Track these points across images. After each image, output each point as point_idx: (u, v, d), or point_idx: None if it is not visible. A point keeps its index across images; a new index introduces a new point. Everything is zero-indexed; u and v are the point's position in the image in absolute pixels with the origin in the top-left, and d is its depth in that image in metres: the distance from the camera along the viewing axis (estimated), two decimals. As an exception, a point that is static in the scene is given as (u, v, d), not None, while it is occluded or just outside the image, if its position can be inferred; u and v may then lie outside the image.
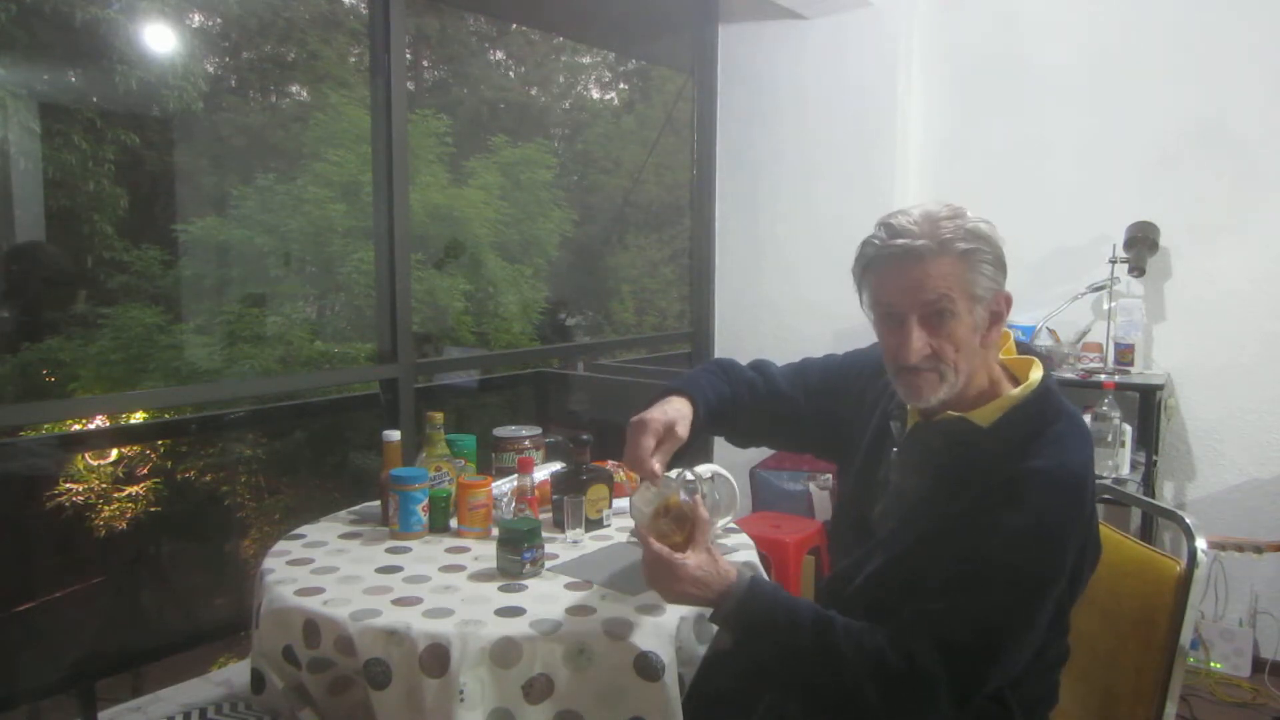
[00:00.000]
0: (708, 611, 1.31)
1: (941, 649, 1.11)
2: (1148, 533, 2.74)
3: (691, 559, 1.22)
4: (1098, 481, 1.28)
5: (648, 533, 1.27)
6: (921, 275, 1.18)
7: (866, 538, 1.35)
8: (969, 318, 1.19)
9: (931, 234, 1.19)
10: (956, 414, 1.24)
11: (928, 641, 1.12)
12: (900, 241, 1.19)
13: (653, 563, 1.23)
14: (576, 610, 1.40)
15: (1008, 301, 1.25)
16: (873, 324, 1.28)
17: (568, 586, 1.51)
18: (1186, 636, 1.36)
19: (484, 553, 1.66)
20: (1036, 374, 1.25)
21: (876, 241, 1.23)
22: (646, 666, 1.30)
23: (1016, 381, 1.27)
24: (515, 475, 1.80)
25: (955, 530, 1.17)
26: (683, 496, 1.32)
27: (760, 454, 3.35)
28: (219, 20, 7.95)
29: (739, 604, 1.20)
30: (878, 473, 1.38)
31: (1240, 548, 2.61)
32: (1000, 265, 1.23)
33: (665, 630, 1.35)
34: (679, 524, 1.27)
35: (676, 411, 1.36)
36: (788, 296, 3.36)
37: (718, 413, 1.45)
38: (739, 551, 1.72)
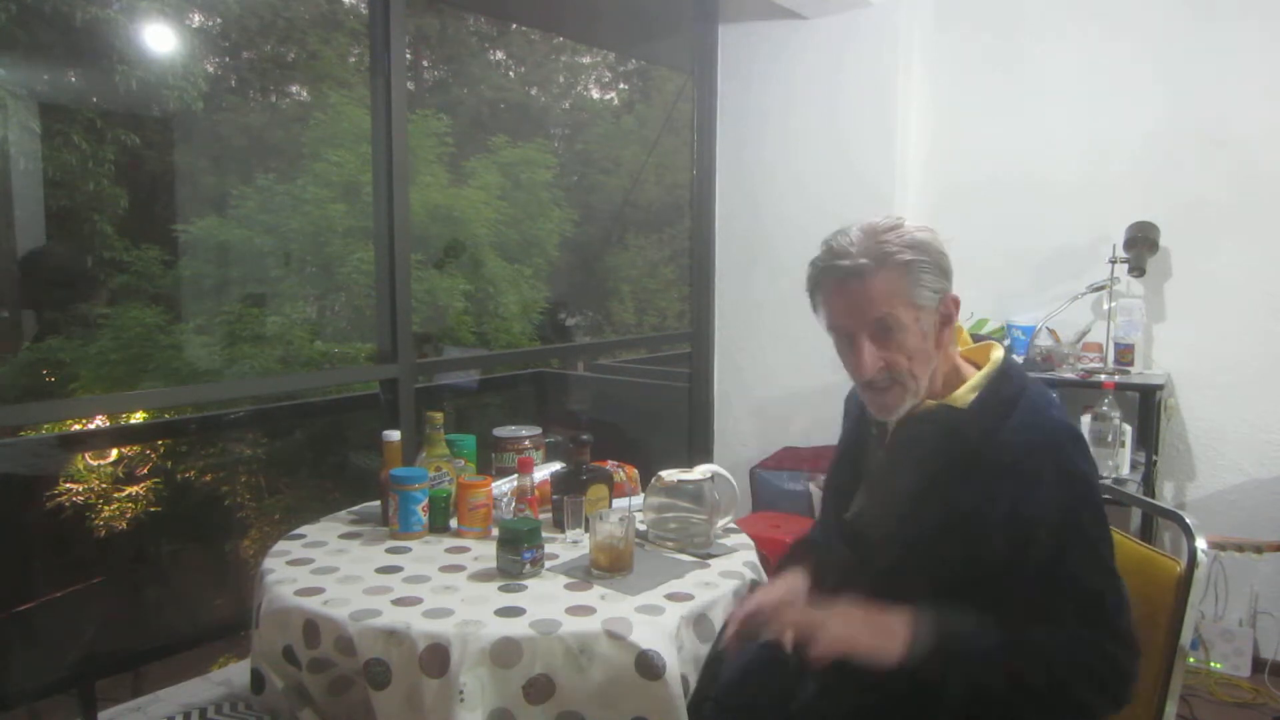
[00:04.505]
0: (709, 611, 1.32)
1: (1091, 623, 1.16)
2: (1148, 533, 2.74)
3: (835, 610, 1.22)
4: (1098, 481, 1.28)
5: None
6: (863, 293, 1.21)
7: (856, 544, 1.36)
8: (916, 327, 1.22)
9: (870, 250, 1.21)
10: (935, 401, 1.28)
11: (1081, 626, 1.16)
12: (841, 262, 1.23)
13: (811, 621, 1.21)
14: (576, 610, 1.40)
15: (955, 304, 1.28)
16: (833, 341, 1.31)
17: (568, 586, 1.51)
18: (1187, 636, 1.36)
19: (484, 553, 1.66)
20: (998, 353, 1.31)
21: (819, 263, 1.27)
22: (648, 666, 1.30)
23: (979, 367, 1.31)
24: (515, 475, 1.80)
25: (987, 512, 1.19)
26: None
27: (760, 454, 3.35)
28: (219, 20, 7.95)
29: (931, 628, 1.17)
30: (857, 477, 1.40)
31: (1240, 548, 2.61)
32: (942, 271, 1.25)
33: (666, 630, 1.35)
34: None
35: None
36: (787, 297, 3.36)
37: None
38: (739, 551, 1.72)
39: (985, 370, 1.29)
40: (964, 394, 1.27)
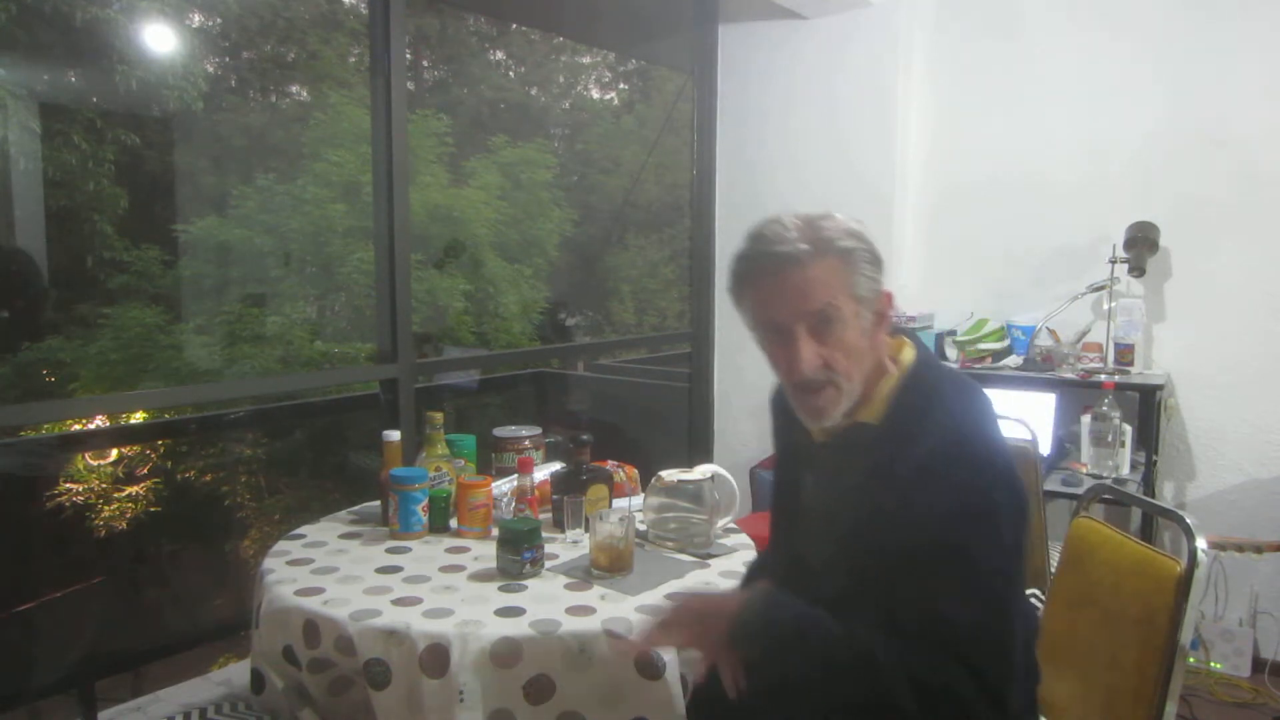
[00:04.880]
0: None
1: (959, 660, 1.07)
2: (1148, 533, 2.74)
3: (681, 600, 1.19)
4: (1098, 481, 1.27)
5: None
6: (803, 282, 1.13)
7: (803, 572, 1.30)
8: (856, 322, 1.15)
9: (809, 236, 1.14)
10: (849, 421, 1.21)
11: (945, 660, 1.07)
12: (779, 248, 1.14)
13: (676, 625, 1.16)
14: (576, 610, 1.40)
15: (889, 300, 1.20)
16: (759, 344, 1.21)
17: (568, 586, 1.51)
18: (1187, 636, 1.36)
19: (484, 553, 1.66)
20: (909, 354, 1.23)
21: (751, 252, 1.18)
22: (647, 666, 1.30)
23: (889, 364, 1.23)
24: (515, 475, 1.80)
25: (890, 529, 1.12)
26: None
27: (760, 454, 3.35)
28: (219, 20, 7.95)
29: (761, 614, 1.13)
30: (799, 499, 1.34)
31: (1240, 548, 2.61)
32: (878, 263, 1.18)
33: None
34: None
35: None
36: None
37: None
38: (739, 551, 1.72)
39: (897, 378, 1.21)
40: (876, 407, 1.20)
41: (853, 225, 1.17)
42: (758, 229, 1.19)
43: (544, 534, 1.61)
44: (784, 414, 1.37)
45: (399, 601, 1.43)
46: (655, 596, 1.46)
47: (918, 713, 1.07)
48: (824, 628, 1.11)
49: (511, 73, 11.22)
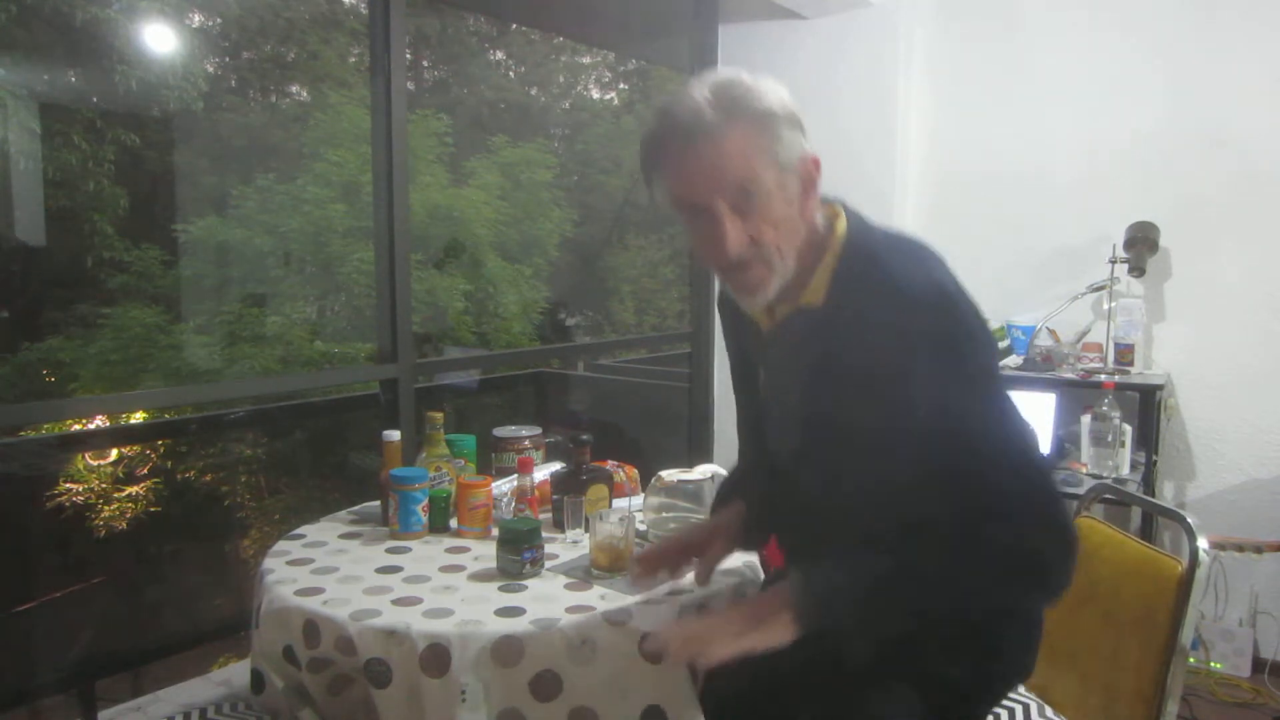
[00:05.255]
0: (709, 602, 1.31)
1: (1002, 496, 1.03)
2: (1148, 533, 2.74)
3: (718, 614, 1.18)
4: (1098, 481, 1.26)
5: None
6: (718, 155, 1.04)
7: (785, 477, 1.26)
8: (781, 192, 1.07)
9: (718, 104, 1.05)
10: (792, 307, 1.15)
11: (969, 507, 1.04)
12: (687, 122, 1.04)
13: (694, 635, 1.12)
14: (576, 610, 1.40)
15: (816, 165, 1.11)
16: (682, 224, 1.13)
17: (568, 586, 1.51)
18: (1188, 636, 1.36)
19: (484, 553, 1.66)
20: (841, 225, 1.14)
21: (661, 129, 1.08)
22: (653, 653, 1.30)
23: (824, 235, 1.15)
24: (515, 475, 1.80)
25: (869, 405, 1.07)
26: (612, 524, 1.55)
27: (760, 454, 3.34)
28: (219, 20, 7.95)
29: (809, 592, 1.08)
30: (758, 400, 1.30)
31: (1240, 548, 2.61)
32: (798, 125, 1.10)
33: (667, 614, 1.36)
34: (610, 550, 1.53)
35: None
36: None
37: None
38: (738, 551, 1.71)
39: (833, 253, 1.12)
40: (817, 288, 1.12)
41: (765, 85, 1.09)
42: (664, 104, 1.09)
43: (544, 534, 1.61)
44: (732, 313, 1.32)
45: (399, 601, 1.43)
46: (655, 595, 1.46)
47: (1000, 578, 1.05)
48: (879, 568, 1.06)
49: (511, 73, 11.23)
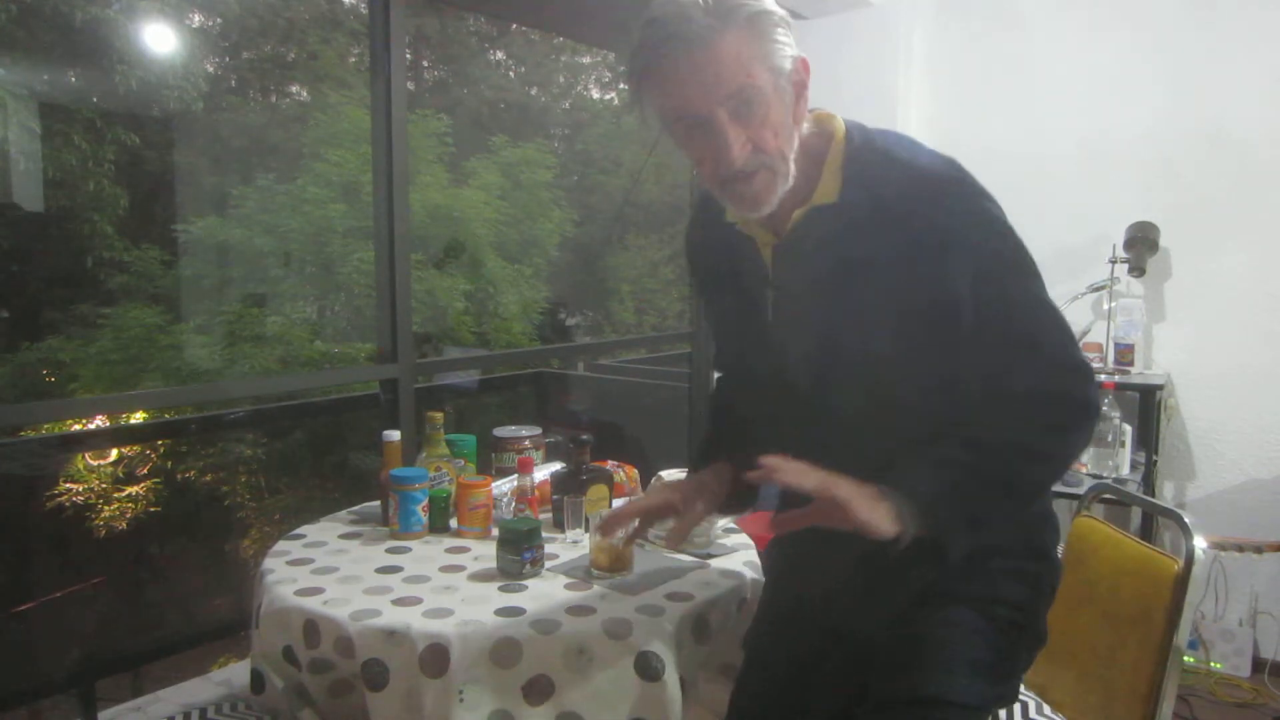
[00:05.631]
0: (709, 612, 1.31)
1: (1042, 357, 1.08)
2: (1148, 532, 2.74)
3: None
4: (1098, 481, 1.27)
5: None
6: (714, 62, 1.00)
7: (807, 409, 1.19)
8: (778, 96, 1.04)
9: (709, 8, 1.01)
10: (802, 210, 1.10)
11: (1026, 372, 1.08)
12: (680, 29, 1.00)
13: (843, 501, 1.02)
14: (576, 610, 1.40)
15: (806, 66, 1.09)
16: (676, 142, 1.09)
17: (568, 586, 1.51)
18: (1184, 635, 1.36)
19: (484, 553, 1.66)
20: (838, 124, 1.12)
21: (651, 39, 1.02)
22: (646, 667, 1.30)
23: (823, 139, 1.12)
24: (515, 475, 1.80)
25: (902, 294, 1.06)
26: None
27: (760, 454, 3.34)
28: (219, 20, 7.96)
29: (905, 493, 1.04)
30: (758, 321, 1.21)
31: (1240, 548, 2.61)
32: (789, 26, 1.08)
33: (665, 630, 1.35)
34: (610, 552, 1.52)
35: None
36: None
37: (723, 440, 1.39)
38: (739, 551, 1.72)
39: (837, 150, 1.10)
40: (827, 186, 1.09)
41: None
42: (651, 13, 1.04)
43: (544, 534, 1.61)
44: (715, 253, 1.26)
45: (399, 601, 1.43)
46: (655, 596, 1.46)
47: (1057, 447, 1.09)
48: (953, 457, 1.06)
49: (511, 73, 11.23)
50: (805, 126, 1.11)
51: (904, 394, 1.11)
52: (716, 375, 1.48)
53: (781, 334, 1.18)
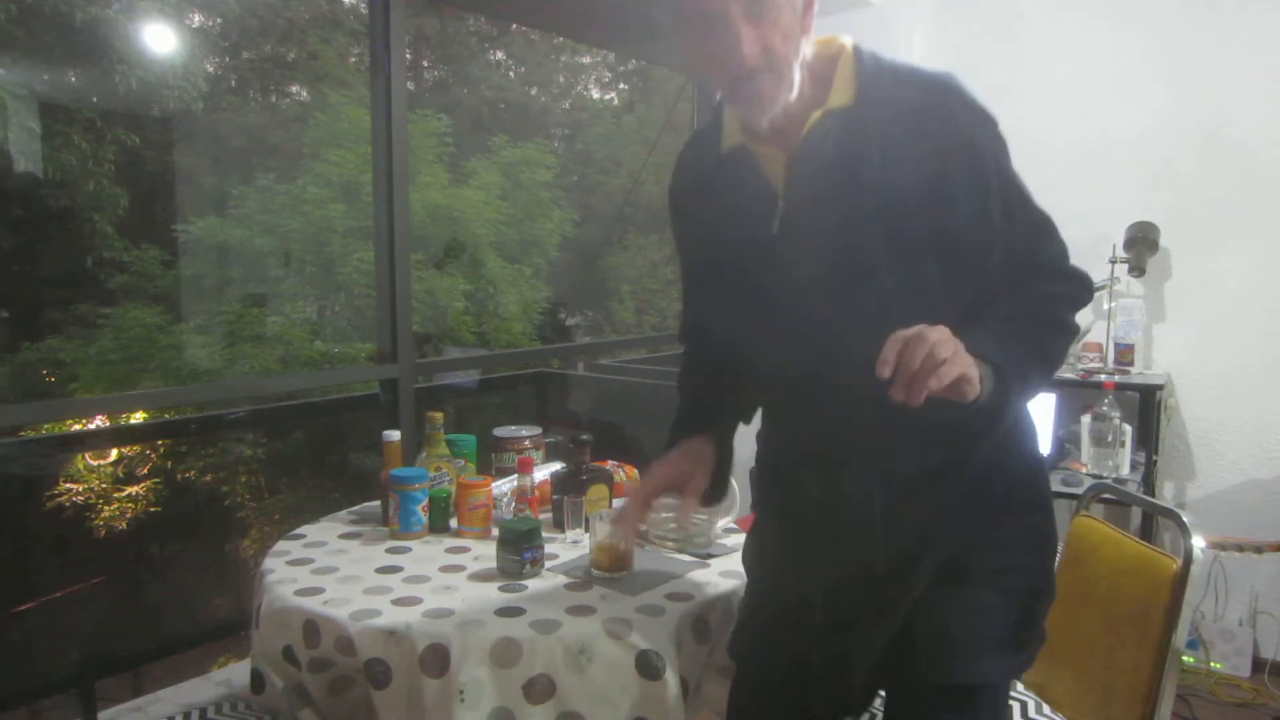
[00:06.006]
0: (709, 612, 1.31)
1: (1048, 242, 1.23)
2: (1148, 532, 2.74)
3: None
4: (1098, 480, 1.27)
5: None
6: None
7: (795, 321, 1.15)
8: (788, 2, 1.05)
9: None
10: (821, 113, 1.09)
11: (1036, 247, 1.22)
12: None
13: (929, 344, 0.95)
14: (576, 610, 1.40)
15: None
16: (686, 42, 1.12)
17: (568, 586, 1.51)
18: (1182, 634, 1.36)
19: (484, 553, 1.66)
20: (846, 40, 1.14)
21: None
22: (647, 666, 1.30)
23: (832, 51, 1.14)
24: (515, 475, 1.80)
25: (930, 192, 1.07)
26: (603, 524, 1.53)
27: (760, 454, 3.34)
28: (219, 20, 7.96)
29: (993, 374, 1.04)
30: (758, 246, 1.16)
31: (1240, 548, 2.61)
32: None
33: (666, 629, 1.35)
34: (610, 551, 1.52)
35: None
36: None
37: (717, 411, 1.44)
38: (739, 551, 1.72)
39: (847, 60, 1.11)
40: (840, 90, 1.10)
41: None
42: None
43: (544, 534, 1.61)
44: (701, 190, 1.24)
45: (399, 601, 1.43)
46: (655, 596, 1.47)
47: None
48: (1009, 329, 1.11)
49: (511, 73, 11.24)
50: (812, 48, 1.12)
51: (934, 291, 1.10)
52: (684, 349, 1.51)
53: (791, 249, 1.13)
